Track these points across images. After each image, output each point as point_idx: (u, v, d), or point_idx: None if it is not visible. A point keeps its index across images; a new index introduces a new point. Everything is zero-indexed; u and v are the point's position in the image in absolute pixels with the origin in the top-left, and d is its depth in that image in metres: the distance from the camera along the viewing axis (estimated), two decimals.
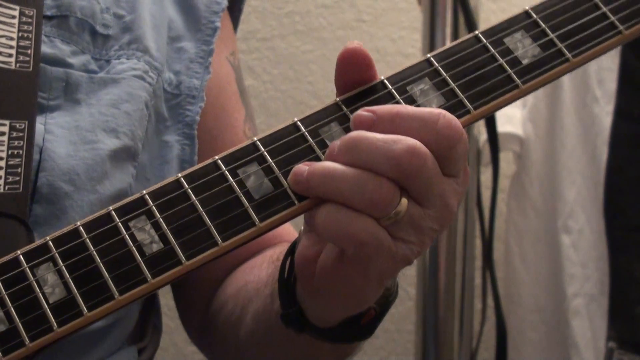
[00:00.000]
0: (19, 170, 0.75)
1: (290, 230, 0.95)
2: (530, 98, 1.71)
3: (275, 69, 1.91)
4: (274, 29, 1.91)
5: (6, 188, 0.74)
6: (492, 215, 1.56)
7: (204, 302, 0.95)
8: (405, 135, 0.62)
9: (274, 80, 1.91)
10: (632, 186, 1.54)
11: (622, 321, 1.54)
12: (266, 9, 1.91)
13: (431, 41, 1.51)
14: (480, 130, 1.57)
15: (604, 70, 1.55)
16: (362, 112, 0.64)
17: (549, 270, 1.67)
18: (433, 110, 0.63)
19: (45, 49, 0.82)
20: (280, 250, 0.85)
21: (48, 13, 0.84)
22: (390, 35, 1.93)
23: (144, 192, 0.64)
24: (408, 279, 1.77)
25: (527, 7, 0.71)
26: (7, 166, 0.75)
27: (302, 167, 0.63)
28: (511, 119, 1.71)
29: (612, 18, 0.71)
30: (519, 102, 1.71)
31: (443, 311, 1.50)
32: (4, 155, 0.75)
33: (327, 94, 1.91)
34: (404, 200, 0.61)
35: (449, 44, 1.46)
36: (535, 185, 1.72)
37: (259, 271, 0.86)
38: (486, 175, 1.74)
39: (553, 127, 1.66)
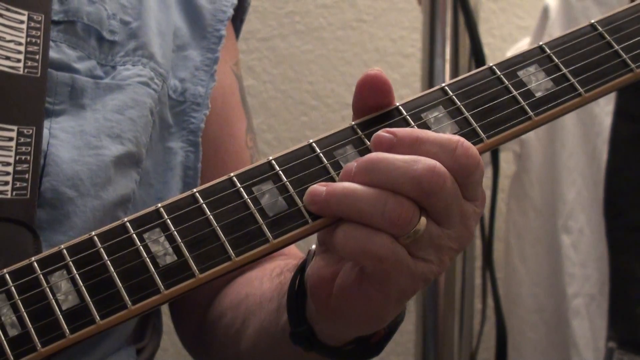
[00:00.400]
0: (27, 176, 0.75)
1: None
2: None
3: (275, 69, 1.91)
4: (274, 29, 1.91)
5: (14, 194, 0.74)
6: (492, 215, 1.56)
7: (200, 312, 0.95)
8: None
9: (274, 80, 1.91)
10: (632, 186, 1.54)
11: (622, 321, 1.54)
12: (266, 9, 1.90)
13: (431, 41, 1.51)
14: None
15: None
16: (383, 133, 0.64)
17: (549, 270, 1.67)
18: (452, 137, 0.64)
19: (51, 53, 0.82)
20: (283, 264, 0.85)
21: (55, 18, 0.84)
22: (390, 35, 1.93)
23: (159, 205, 0.64)
24: None
25: (541, 42, 0.72)
26: (15, 172, 0.75)
27: (319, 188, 0.64)
28: None
29: (624, 56, 0.72)
30: None
31: (443, 311, 1.51)
32: (11, 160, 0.75)
33: (327, 94, 1.91)
34: (423, 219, 0.62)
35: (450, 40, 1.49)
36: (535, 185, 1.72)
37: (260, 284, 0.86)
38: (486, 175, 1.74)
39: (553, 127, 1.66)
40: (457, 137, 0.64)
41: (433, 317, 1.51)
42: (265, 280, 0.85)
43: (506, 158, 1.80)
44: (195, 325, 0.96)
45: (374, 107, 0.68)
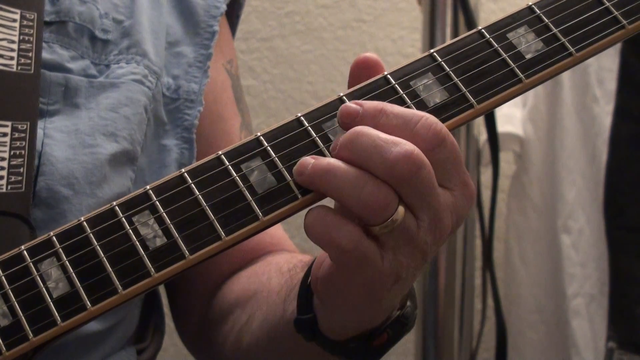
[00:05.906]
0: (21, 170, 0.75)
1: (289, 239, 0.96)
2: (530, 98, 1.71)
3: (275, 69, 1.92)
4: (274, 29, 1.91)
5: (9, 188, 0.74)
6: (492, 215, 1.56)
7: (200, 308, 0.95)
8: (386, 132, 0.62)
9: (274, 80, 1.91)
10: (632, 186, 1.54)
11: (622, 321, 1.54)
12: (266, 9, 1.91)
13: (431, 41, 1.52)
14: (480, 130, 1.57)
15: (604, 70, 1.55)
16: (351, 104, 0.64)
17: (549, 270, 1.67)
18: (417, 112, 0.63)
19: (44, 54, 0.82)
20: (290, 257, 0.86)
21: (47, 19, 0.84)
22: (390, 35, 1.93)
23: (148, 187, 0.64)
24: None
25: (530, 3, 0.71)
26: (10, 166, 0.75)
27: (308, 160, 0.63)
28: (511, 119, 1.71)
29: (615, 13, 0.70)
30: (519, 102, 1.71)
31: (443, 311, 1.50)
32: (6, 155, 0.76)
33: (327, 94, 1.91)
34: (401, 209, 0.61)
35: (450, 39, 1.48)
36: (535, 185, 1.72)
37: (268, 280, 0.86)
38: (486, 175, 1.74)
39: (553, 127, 1.66)
40: (423, 113, 0.63)
41: (433, 317, 1.50)
42: (274, 276, 0.84)
43: (506, 158, 1.80)
44: (197, 322, 0.96)
45: None
